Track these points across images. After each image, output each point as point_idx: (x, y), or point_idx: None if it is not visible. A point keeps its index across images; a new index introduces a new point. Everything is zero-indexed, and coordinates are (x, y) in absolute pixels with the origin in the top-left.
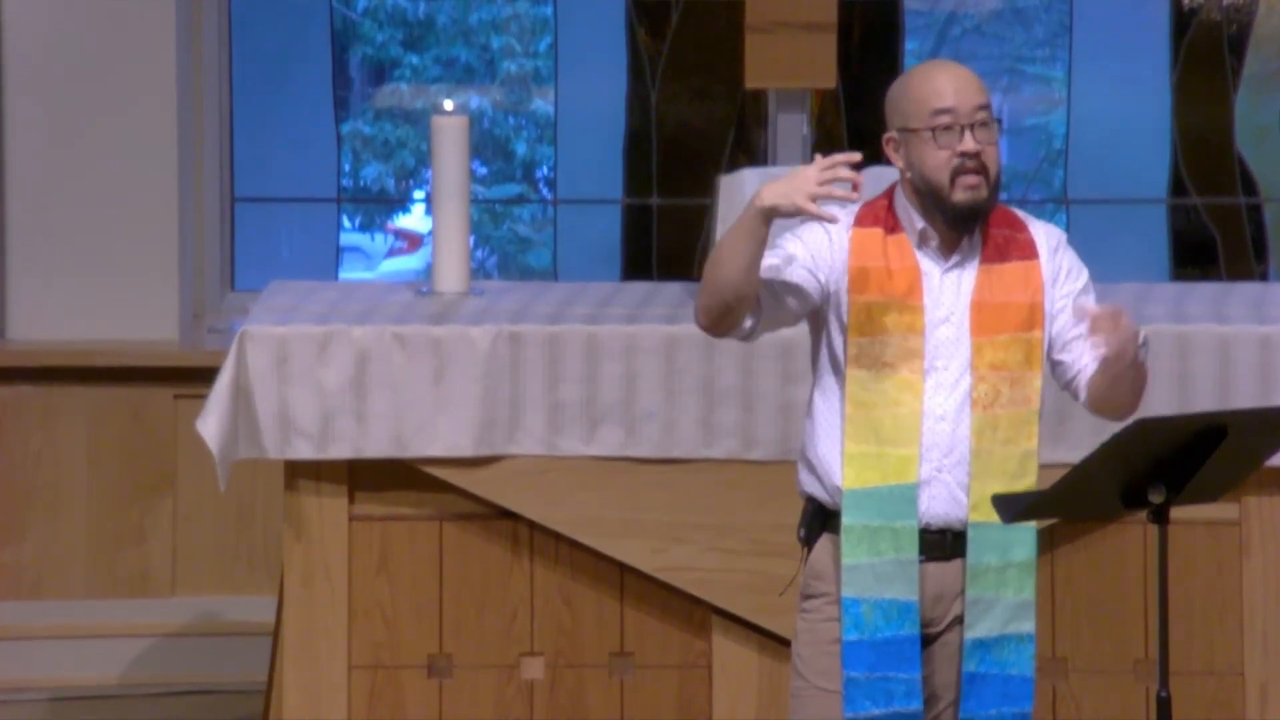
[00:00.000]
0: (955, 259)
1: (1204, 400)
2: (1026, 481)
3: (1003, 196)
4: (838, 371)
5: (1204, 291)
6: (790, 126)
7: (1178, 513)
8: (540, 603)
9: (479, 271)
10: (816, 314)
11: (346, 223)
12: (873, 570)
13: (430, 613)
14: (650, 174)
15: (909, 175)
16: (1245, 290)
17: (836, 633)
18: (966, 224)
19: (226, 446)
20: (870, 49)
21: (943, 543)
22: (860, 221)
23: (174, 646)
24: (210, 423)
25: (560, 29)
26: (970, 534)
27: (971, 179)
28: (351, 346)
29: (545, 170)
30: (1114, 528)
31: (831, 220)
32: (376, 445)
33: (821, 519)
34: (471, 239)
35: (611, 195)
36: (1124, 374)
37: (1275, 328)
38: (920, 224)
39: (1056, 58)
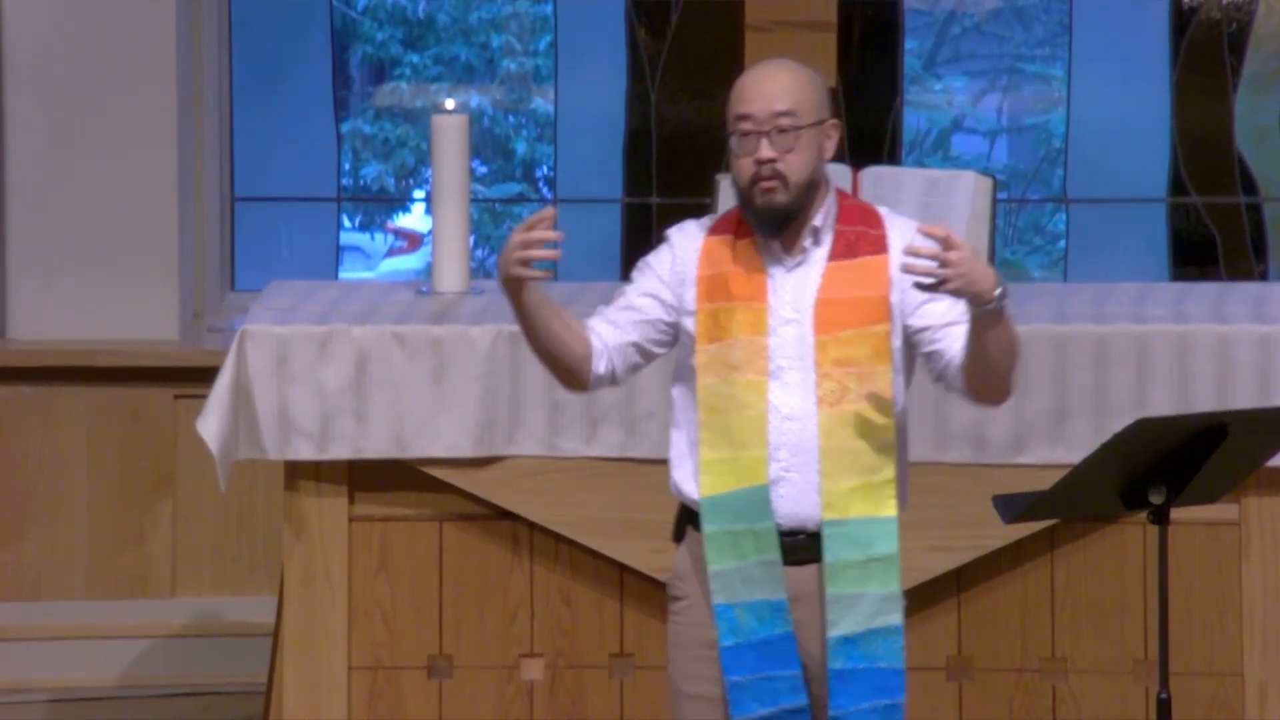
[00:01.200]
0: (799, 258)
1: (1204, 400)
2: (884, 474)
3: (1002, 196)
4: (692, 378)
5: (1204, 291)
6: None
7: (1177, 513)
8: (540, 603)
9: (479, 271)
10: (676, 329)
11: (346, 222)
12: (740, 574)
13: (430, 613)
14: (650, 173)
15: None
16: (1245, 290)
17: (704, 636)
18: (769, 228)
19: (226, 446)
20: (870, 49)
21: (797, 546)
22: (714, 230)
23: (174, 647)
24: (210, 423)
25: (560, 28)
26: (826, 531)
27: (767, 184)
28: (351, 346)
29: (545, 169)
30: (1114, 528)
31: (541, 277)
32: (376, 445)
33: (684, 520)
34: (471, 238)
35: (611, 195)
36: (985, 335)
37: (1275, 327)
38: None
39: (1056, 57)
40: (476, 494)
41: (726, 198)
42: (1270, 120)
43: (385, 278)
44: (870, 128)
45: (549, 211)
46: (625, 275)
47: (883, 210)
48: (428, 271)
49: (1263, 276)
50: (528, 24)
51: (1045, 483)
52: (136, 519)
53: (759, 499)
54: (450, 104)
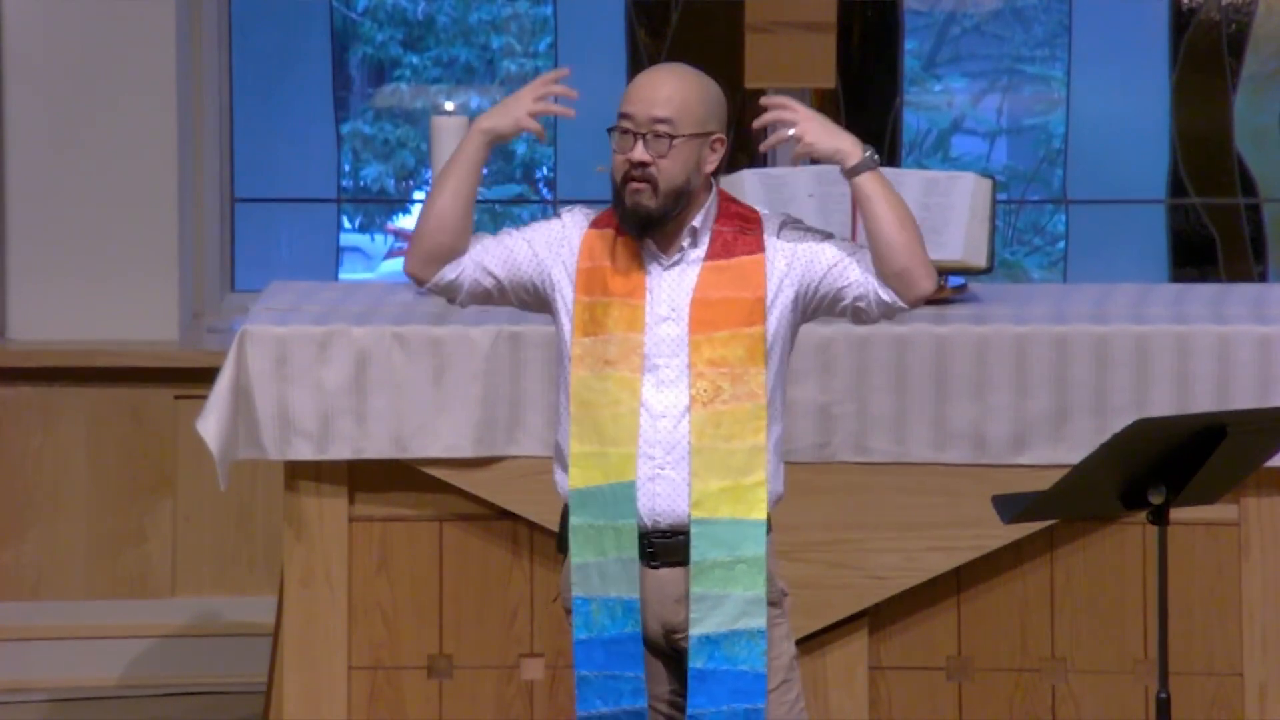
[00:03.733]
0: (676, 257)
1: (1203, 401)
2: (755, 477)
3: (1001, 196)
4: (567, 370)
5: (1203, 292)
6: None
7: (1177, 514)
8: (540, 603)
9: None
10: (545, 309)
11: (346, 223)
12: (599, 569)
13: (430, 613)
14: None
15: None
16: (1244, 290)
17: None
18: (633, 228)
19: (226, 447)
20: (870, 49)
21: (674, 546)
22: (596, 223)
23: (174, 646)
24: (210, 423)
25: (560, 29)
26: (693, 530)
27: (636, 185)
28: (351, 346)
29: (545, 170)
30: (1113, 528)
31: (539, 131)
32: (376, 445)
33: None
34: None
35: (610, 195)
36: (875, 207)
37: (1274, 328)
38: None
39: (1056, 58)
40: (476, 494)
41: None
42: (1269, 121)
43: (385, 278)
44: (870, 128)
45: (564, 70)
46: None
47: (764, 212)
48: None
49: (1262, 277)
50: (528, 25)
51: (1045, 483)
52: (136, 519)
53: (625, 495)
54: (450, 105)
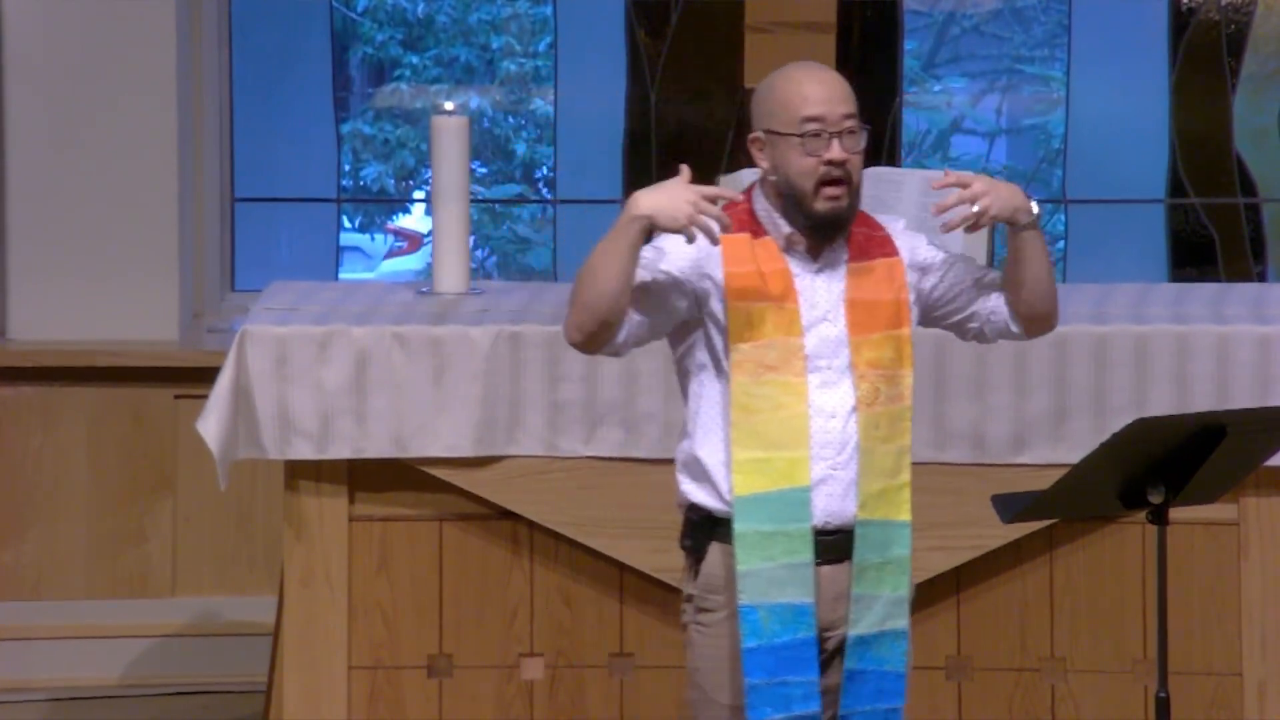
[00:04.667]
0: (822, 261)
1: (1203, 400)
2: (902, 478)
3: None
4: (718, 378)
5: (1202, 292)
6: None
7: (1176, 513)
8: (540, 603)
9: (479, 271)
10: (685, 323)
11: (346, 223)
12: (767, 575)
13: (430, 613)
14: (650, 174)
15: (773, 178)
16: (1243, 290)
17: (735, 648)
18: (827, 232)
19: (226, 447)
20: (869, 49)
21: (838, 543)
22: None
23: (174, 646)
24: (210, 423)
25: (560, 29)
26: (857, 532)
27: (834, 189)
28: (351, 346)
29: (545, 170)
30: (1113, 528)
31: (714, 242)
32: (376, 445)
33: (709, 529)
34: (471, 239)
35: (611, 195)
36: (1030, 254)
37: (1273, 328)
38: (787, 229)
39: (1055, 58)
40: (476, 494)
41: None
42: (1269, 121)
43: (385, 278)
44: (870, 128)
45: (736, 195)
46: None
47: (868, 213)
48: (428, 272)
49: (1261, 277)
50: (527, 25)
51: (1045, 483)
52: (136, 519)
53: (798, 500)
54: (450, 105)
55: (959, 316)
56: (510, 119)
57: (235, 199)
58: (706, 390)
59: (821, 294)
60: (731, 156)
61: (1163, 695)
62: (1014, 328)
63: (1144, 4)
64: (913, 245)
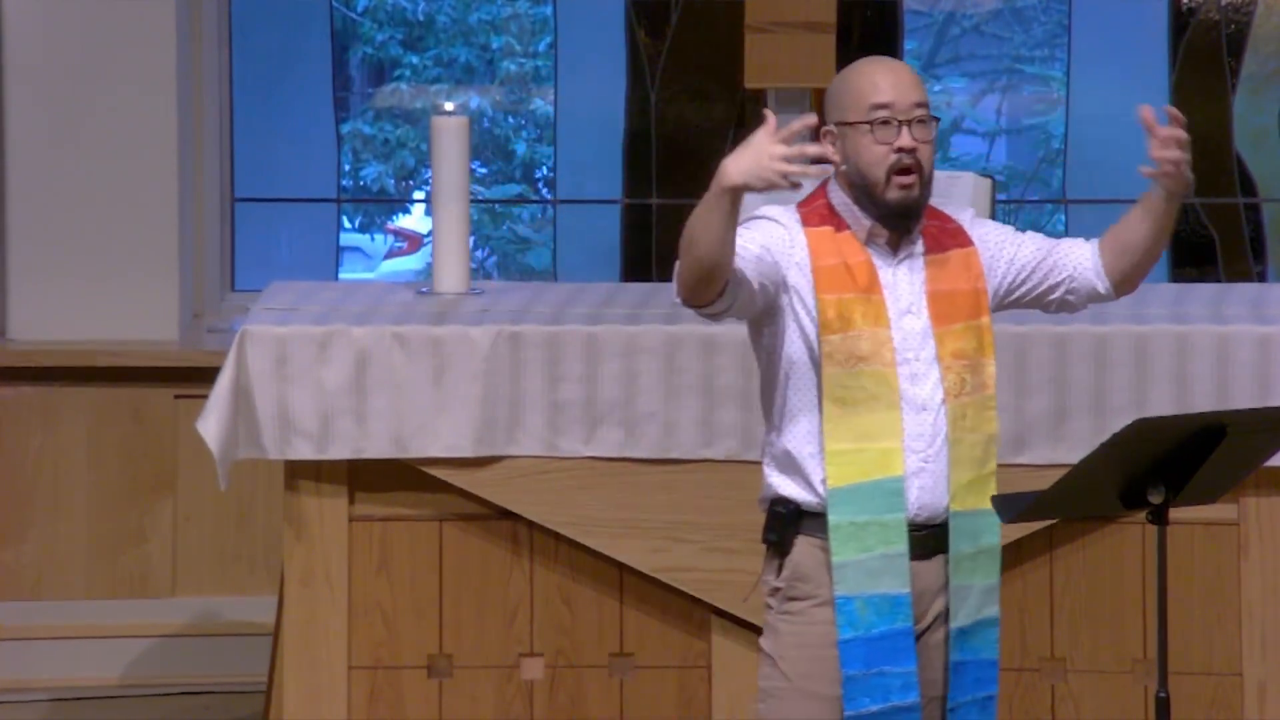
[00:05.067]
0: (903, 253)
1: (1203, 400)
2: (990, 467)
3: (1001, 196)
4: (810, 370)
5: (1202, 292)
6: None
7: (1176, 513)
8: (540, 603)
9: (479, 271)
10: (770, 311)
11: (346, 223)
12: (862, 566)
13: (430, 613)
14: (650, 174)
15: (844, 169)
16: (1243, 290)
17: (828, 636)
18: (899, 221)
19: (226, 446)
20: (870, 49)
21: (925, 538)
22: (808, 222)
23: (174, 646)
24: (210, 423)
25: (560, 29)
26: (952, 523)
27: (906, 178)
28: (351, 346)
29: (545, 170)
30: (1113, 528)
31: (796, 187)
32: (376, 445)
33: (796, 522)
34: (471, 239)
35: (611, 195)
36: (1165, 219)
37: (1273, 328)
38: (867, 221)
39: (1055, 58)
40: (476, 494)
41: None
42: (1269, 121)
43: (385, 278)
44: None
45: (811, 119)
46: (625, 276)
47: (936, 207)
48: (428, 272)
49: (1261, 277)
50: (527, 25)
51: (1045, 483)
52: (136, 519)
53: (893, 490)
54: (450, 105)
55: (1043, 288)
56: (510, 119)
57: (235, 199)
58: (796, 382)
59: (904, 286)
60: None
61: (1163, 695)
62: (1102, 288)
63: (1144, 4)
64: (983, 234)
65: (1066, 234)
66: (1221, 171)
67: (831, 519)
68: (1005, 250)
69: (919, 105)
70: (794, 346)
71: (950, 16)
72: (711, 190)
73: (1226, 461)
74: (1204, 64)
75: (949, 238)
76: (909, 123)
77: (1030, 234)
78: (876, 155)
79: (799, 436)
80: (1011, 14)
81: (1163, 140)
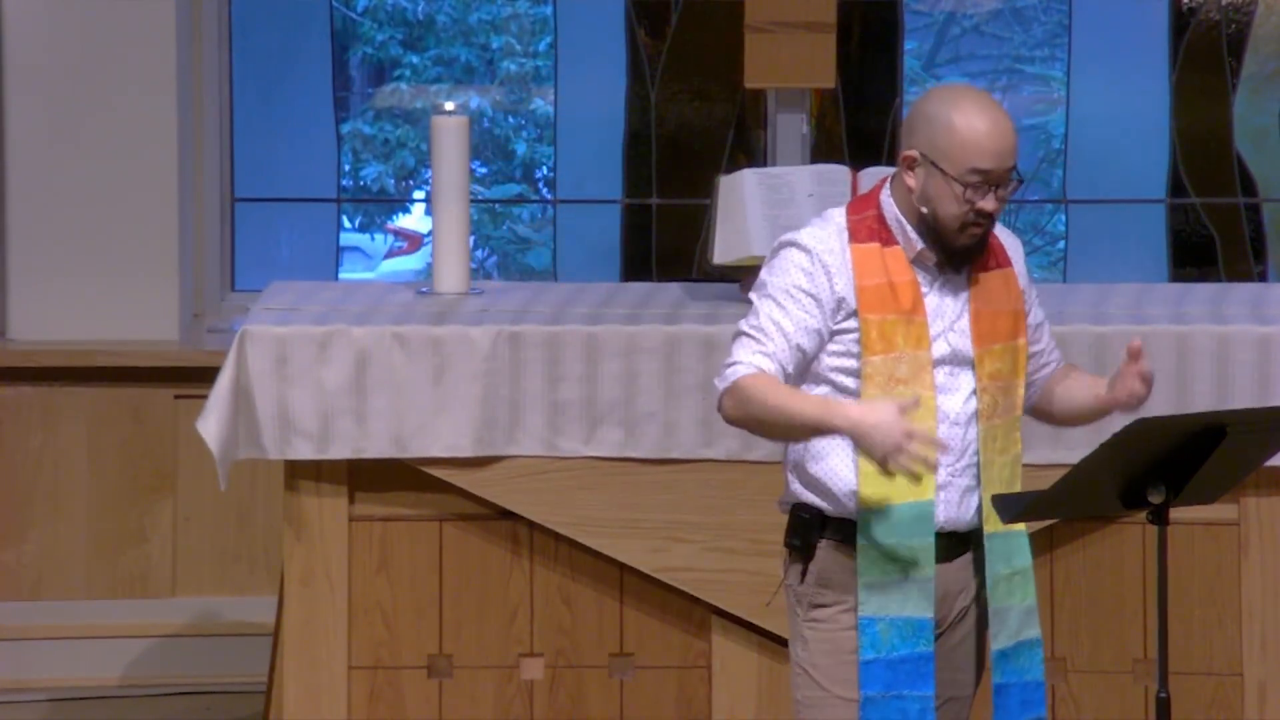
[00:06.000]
0: (949, 272)
1: (1203, 401)
2: (1016, 487)
3: None
4: (848, 385)
5: (1203, 292)
6: (790, 127)
7: (1177, 513)
8: (540, 603)
9: (479, 271)
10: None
11: (346, 223)
12: (888, 588)
13: (430, 613)
14: (650, 174)
15: (915, 198)
16: (1244, 290)
17: (855, 641)
18: (960, 262)
19: (226, 447)
20: (870, 49)
21: (950, 545)
22: (855, 237)
23: (174, 646)
24: (210, 423)
25: (560, 29)
26: (988, 544)
27: (978, 230)
28: (351, 346)
29: (545, 170)
30: (1113, 528)
31: (915, 481)
32: (376, 445)
33: (819, 527)
34: (471, 239)
35: (611, 195)
36: (1097, 417)
37: (1274, 328)
38: (919, 244)
39: (1055, 58)
40: (476, 494)
41: (727, 199)
42: (1269, 121)
43: (385, 278)
44: (870, 128)
45: (942, 446)
46: (625, 276)
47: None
48: (428, 272)
49: (1261, 277)
50: (527, 25)
51: (1045, 483)
52: (136, 519)
53: (924, 514)
54: (450, 105)
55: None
56: (510, 119)
57: (235, 199)
58: (833, 395)
59: (948, 305)
60: (731, 156)
61: (1163, 695)
62: (1029, 397)
63: (1144, 4)
64: (1023, 268)
65: (1067, 234)
66: (1222, 171)
67: (860, 539)
68: (1030, 315)
69: (1012, 170)
70: (838, 361)
71: (950, 16)
72: (813, 412)
73: (1226, 462)
74: (1204, 64)
75: (991, 256)
76: (998, 186)
77: (1034, 308)
78: (958, 210)
79: (831, 450)
80: (1012, 14)
81: (1135, 374)
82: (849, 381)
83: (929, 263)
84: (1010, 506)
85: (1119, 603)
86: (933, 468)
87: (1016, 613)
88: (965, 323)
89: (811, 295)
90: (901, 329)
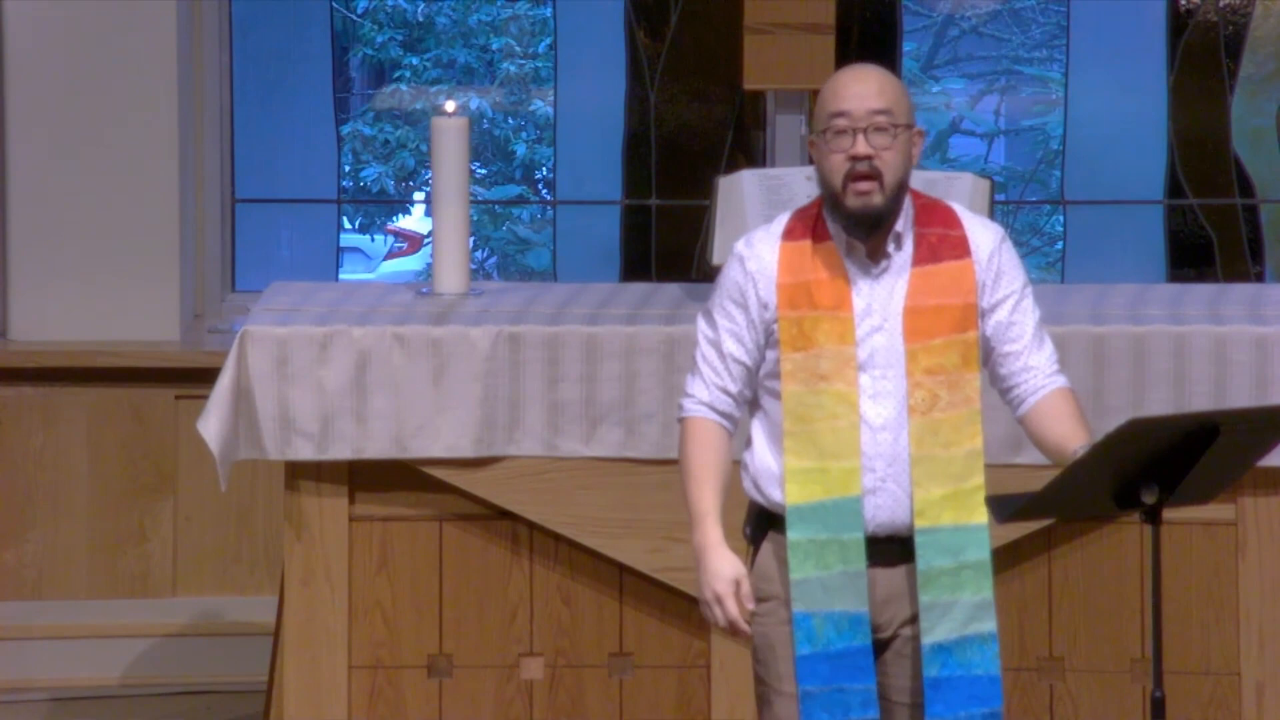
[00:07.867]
0: (884, 264)
1: (1200, 401)
2: (973, 482)
3: (999, 197)
4: (772, 385)
5: (1200, 292)
6: (789, 128)
7: (1174, 513)
8: (540, 603)
9: (479, 272)
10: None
11: (346, 223)
12: (821, 583)
13: (430, 613)
14: (649, 175)
15: (818, 181)
16: (1241, 291)
17: (791, 635)
18: (862, 230)
19: (227, 447)
20: (868, 50)
21: (890, 550)
22: (789, 234)
23: (174, 646)
24: (211, 423)
25: (560, 30)
26: (918, 539)
27: (862, 185)
28: (351, 347)
29: (544, 171)
30: (1110, 528)
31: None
32: (376, 445)
33: (765, 521)
34: (471, 240)
35: (610, 196)
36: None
37: (1271, 328)
38: (844, 233)
39: (1054, 59)
40: (476, 494)
41: (726, 200)
42: (1266, 122)
43: (385, 279)
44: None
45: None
46: (625, 276)
47: (955, 207)
48: (428, 273)
49: (1259, 278)
50: (527, 26)
51: (1042, 483)
52: (137, 519)
53: (850, 509)
54: (450, 106)
55: (998, 366)
56: (510, 120)
57: (236, 199)
58: (765, 399)
59: (880, 301)
60: (730, 157)
61: (1158, 695)
62: (1010, 400)
63: (1142, 5)
64: (998, 262)
65: (1066, 235)
66: (1219, 172)
67: (790, 536)
68: (999, 310)
69: (879, 113)
70: (769, 365)
71: (949, 18)
72: (692, 511)
73: (1220, 461)
74: (1202, 65)
75: (947, 248)
76: (865, 130)
77: (1029, 318)
78: (834, 163)
79: (763, 449)
80: (1010, 15)
81: None
82: (779, 385)
83: (859, 254)
84: (1004, 507)
85: (1117, 602)
86: (740, 632)
87: (965, 606)
88: (898, 319)
89: (738, 304)
90: (824, 325)
